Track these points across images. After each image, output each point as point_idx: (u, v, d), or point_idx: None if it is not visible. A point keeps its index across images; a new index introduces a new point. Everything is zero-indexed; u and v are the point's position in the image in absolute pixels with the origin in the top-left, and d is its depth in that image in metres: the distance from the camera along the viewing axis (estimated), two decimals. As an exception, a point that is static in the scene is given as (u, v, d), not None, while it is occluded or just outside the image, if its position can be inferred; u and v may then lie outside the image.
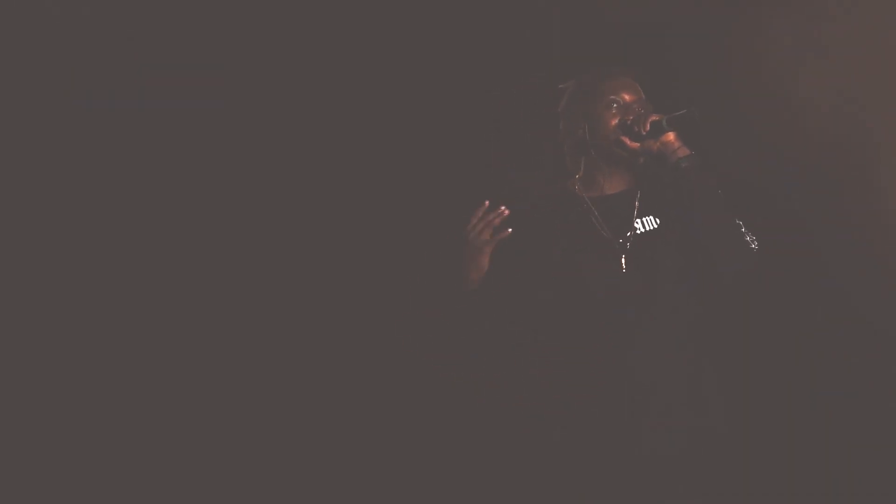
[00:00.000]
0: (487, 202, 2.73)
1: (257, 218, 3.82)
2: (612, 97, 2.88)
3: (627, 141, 2.83)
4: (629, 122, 2.83)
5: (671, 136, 2.79)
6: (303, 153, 3.85)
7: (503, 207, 2.72)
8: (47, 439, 3.65)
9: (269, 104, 3.81)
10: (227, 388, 3.77)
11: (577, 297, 2.81)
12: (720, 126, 2.97)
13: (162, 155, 3.76)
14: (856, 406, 3.61)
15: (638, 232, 2.86)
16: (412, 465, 3.81)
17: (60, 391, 3.67)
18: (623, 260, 2.82)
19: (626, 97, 2.89)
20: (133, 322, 3.73)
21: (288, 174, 3.84)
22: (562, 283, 2.81)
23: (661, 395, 2.77)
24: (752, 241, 2.81)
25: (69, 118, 3.70)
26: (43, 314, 3.67)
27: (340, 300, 3.84)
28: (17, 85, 3.65)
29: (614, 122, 2.86)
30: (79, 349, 3.69)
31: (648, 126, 2.79)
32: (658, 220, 2.87)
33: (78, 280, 3.70)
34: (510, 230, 2.71)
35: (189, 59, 3.74)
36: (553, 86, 3.03)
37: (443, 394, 3.80)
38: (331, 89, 3.84)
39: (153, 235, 3.75)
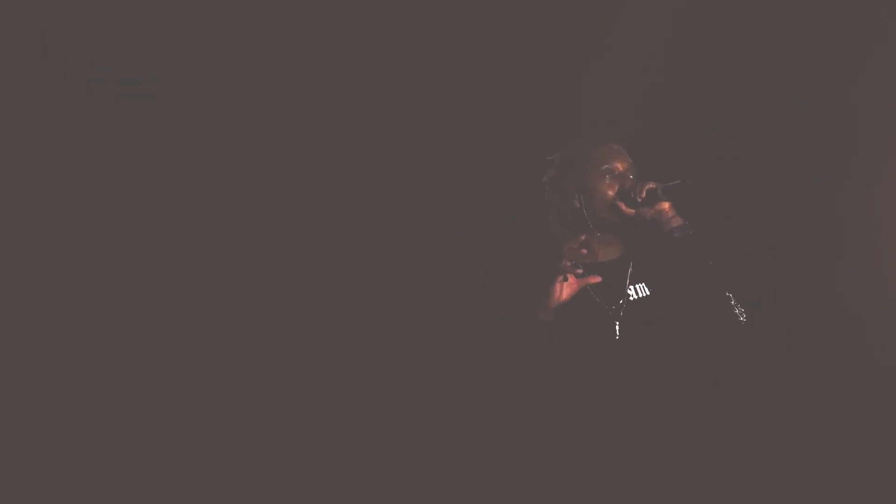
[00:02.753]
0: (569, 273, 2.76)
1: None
2: (606, 166, 2.92)
3: (623, 207, 2.86)
4: (626, 188, 2.87)
5: (666, 205, 2.83)
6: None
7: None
8: (47, 439, 3.68)
9: (272, 104, 3.86)
10: (230, 389, 3.80)
11: (570, 365, 2.83)
12: (712, 195, 3.00)
13: (161, 154, 3.83)
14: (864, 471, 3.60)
15: (631, 298, 2.89)
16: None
17: (60, 391, 3.71)
18: (616, 326, 2.86)
19: (619, 166, 2.93)
20: (133, 321, 3.77)
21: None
22: (556, 349, 2.82)
23: (656, 459, 2.80)
24: (741, 314, 2.84)
25: (68, 116, 3.77)
26: (43, 314, 3.72)
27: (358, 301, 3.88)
28: (16, 83, 3.73)
29: (610, 191, 2.90)
30: (79, 349, 3.73)
31: (644, 193, 2.82)
32: (650, 288, 2.90)
33: (78, 280, 3.75)
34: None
35: (188, 58, 3.80)
36: (541, 158, 3.08)
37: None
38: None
39: (153, 235, 3.80)
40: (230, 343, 3.81)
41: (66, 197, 3.79)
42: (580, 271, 2.77)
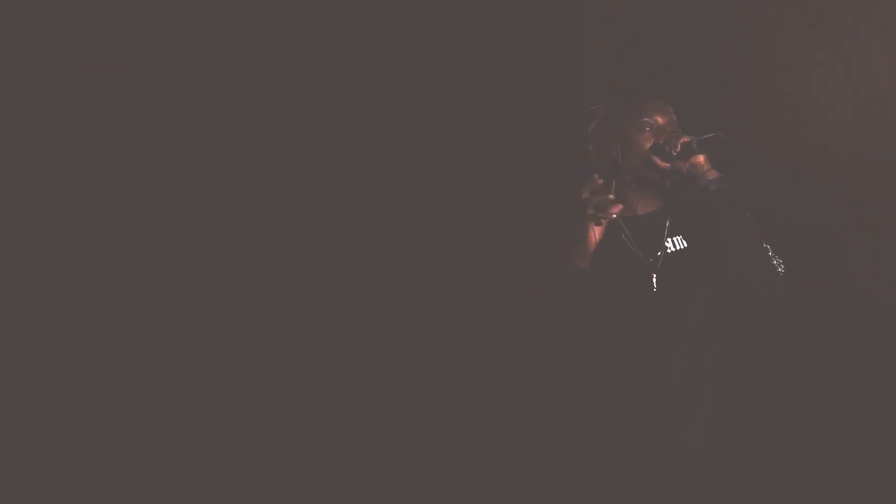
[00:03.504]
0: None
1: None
2: (645, 119, 2.92)
3: (658, 161, 2.87)
4: (661, 143, 2.88)
5: (701, 158, 2.83)
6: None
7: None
8: (47, 439, 3.62)
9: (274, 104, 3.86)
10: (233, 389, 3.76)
11: (607, 315, 2.82)
12: (747, 149, 3.01)
13: (161, 154, 3.80)
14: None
15: (668, 251, 2.89)
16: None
17: (60, 391, 3.65)
18: (654, 279, 2.85)
19: (659, 119, 2.93)
20: (132, 321, 3.73)
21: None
22: (592, 300, 2.82)
23: (688, 413, 2.80)
24: (779, 265, 2.84)
25: (68, 116, 3.74)
26: (43, 314, 3.67)
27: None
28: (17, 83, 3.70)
29: (647, 144, 2.90)
30: (78, 348, 3.68)
31: (679, 147, 2.83)
32: (687, 241, 2.91)
33: (78, 279, 3.70)
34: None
35: (188, 58, 3.79)
36: (585, 107, 3.08)
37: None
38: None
39: (154, 235, 3.77)
40: (231, 342, 3.77)
41: (66, 197, 3.74)
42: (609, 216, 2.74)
